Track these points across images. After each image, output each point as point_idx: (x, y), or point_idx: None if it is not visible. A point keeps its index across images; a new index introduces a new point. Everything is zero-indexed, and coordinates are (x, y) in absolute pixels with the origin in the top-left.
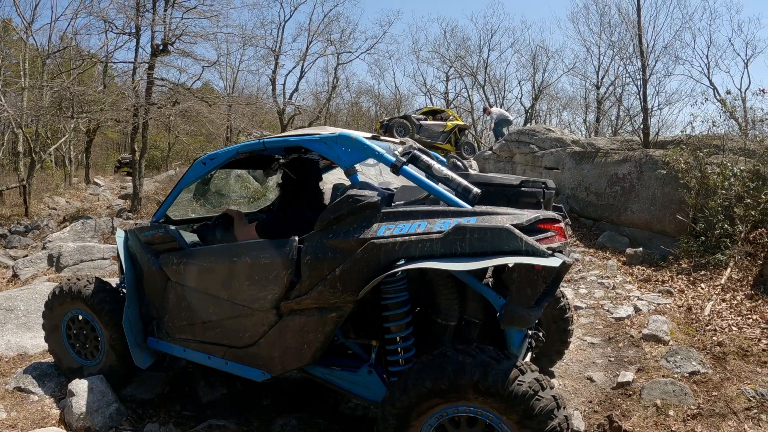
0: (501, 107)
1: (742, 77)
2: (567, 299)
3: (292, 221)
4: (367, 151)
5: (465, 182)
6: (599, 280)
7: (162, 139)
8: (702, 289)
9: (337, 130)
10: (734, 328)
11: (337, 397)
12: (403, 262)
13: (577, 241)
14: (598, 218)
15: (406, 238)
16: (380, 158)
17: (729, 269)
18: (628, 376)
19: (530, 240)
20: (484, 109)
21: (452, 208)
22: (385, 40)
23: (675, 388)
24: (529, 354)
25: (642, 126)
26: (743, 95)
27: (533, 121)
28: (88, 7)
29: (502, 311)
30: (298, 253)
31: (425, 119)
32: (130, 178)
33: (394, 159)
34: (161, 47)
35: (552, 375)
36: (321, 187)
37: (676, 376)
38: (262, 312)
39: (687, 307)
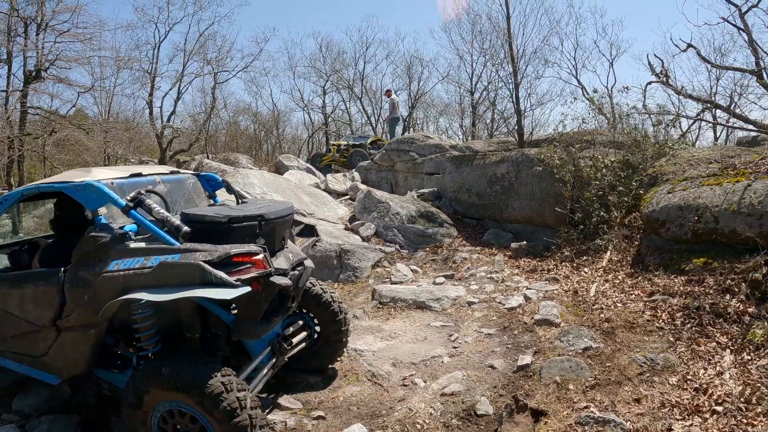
0: (389, 111)
1: (608, 76)
2: (338, 303)
3: (64, 252)
4: (105, 197)
5: (177, 222)
6: (488, 275)
7: (38, 172)
8: (585, 273)
9: (87, 178)
10: (619, 305)
11: None
12: (142, 292)
13: (464, 241)
14: (482, 217)
15: (129, 272)
16: (114, 203)
17: (609, 252)
18: (526, 359)
19: (219, 273)
20: (387, 92)
21: (164, 246)
22: (262, 57)
23: (571, 364)
24: (275, 359)
25: (516, 127)
26: (610, 93)
27: (411, 129)
28: None
29: (232, 326)
30: (62, 281)
31: (371, 148)
32: None
33: (124, 204)
34: (34, 73)
35: (335, 371)
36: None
37: (570, 353)
38: (46, 329)
39: (573, 291)
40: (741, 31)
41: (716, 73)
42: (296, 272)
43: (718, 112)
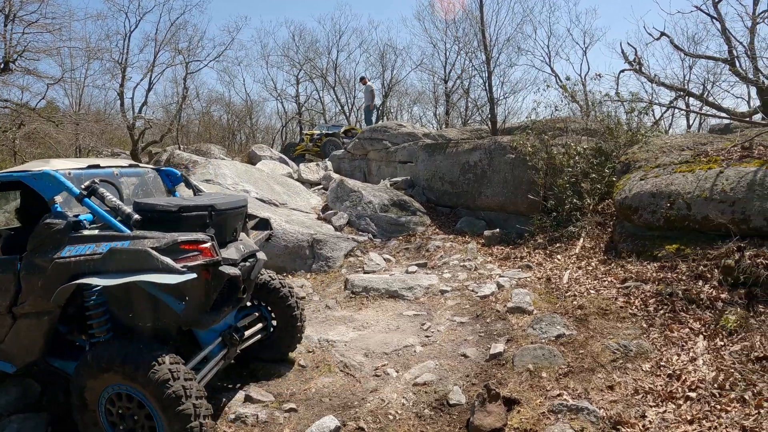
0: (368, 99)
1: (581, 64)
2: (295, 297)
3: (24, 240)
4: (61, 185)
5: (128, 211)
6: (461, 263)
7: (8, 166)
8: (559, 260)
9: (45, 167)
10: (592, 292)
11: None
12: (91, 277)
13: (437, 230)
14: (455, 205)
15: (80, 258)
16: (69, 191)
17: (582, 239)
18: (498, 347)
19: (165, 259)
20: (362, 79)
21: (115, 233)
22: (234, 46)
23: (544, 352)
24: (227, 350)
25: (489, 115)
26: (583, 80)
27: (385, 117)
28: None
29: (182, 315)
30: (18, 268)
31: (344, 137)
32: None
33: (78, 192)
34: (2, 65)
35: (292, 361)
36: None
37: (543, 341)
38: (2, 316)
39: (546, 278)
40: (714, 20)
41: (689, 62)
42: (247, 264)
43: (691, 101)
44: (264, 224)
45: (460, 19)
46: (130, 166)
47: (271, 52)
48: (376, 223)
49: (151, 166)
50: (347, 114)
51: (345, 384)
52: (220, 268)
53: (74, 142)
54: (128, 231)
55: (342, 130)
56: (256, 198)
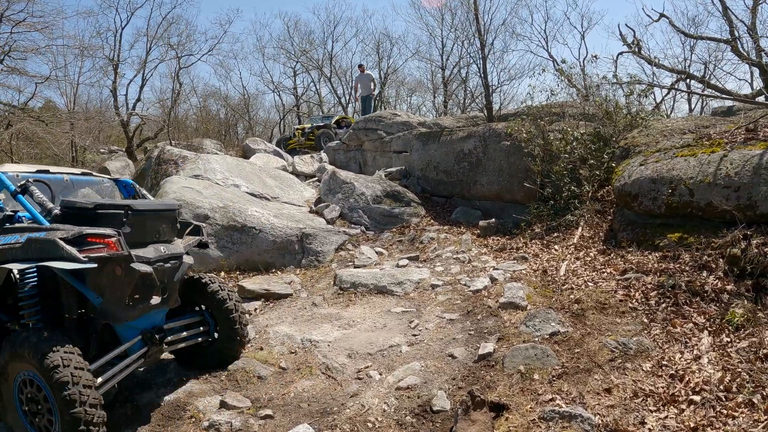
0: (361, 88)
1: (579, 48)
2: (234, 301)
3: None
4: (2, 184)
5: (50, 206)
6: (455, 256)
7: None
8: (556, 250)
9: None
10: (590, 284)
11: None
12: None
13: (432, 220)
14: (450, 195)
15: (5, 246)
16: (7, 189)
17: (580, 228)
18: (488, 347)
19: (69, 248)
20: (359, 66)
21: (36, 225)
22: (228, 39)
23: (537, 352)
24: (147, 348)
25: (485, 102)
26: (582, 65)
27: (383, 107)
28: None
29: (99, 308)
30: None
31: (336, 127)
32: None
33: (13, 189)
34: None
35: (274, 362)
36: None
37: (536, 339)
38: None
39: (542, 270)
40: (715, 0)
41: (690, 44)
42: (168, 265)
43: (693, 83)
44: (196, 231)
45: (455, 6)
46: (83, 174)
47: (266, 45)
48: (368, 215)
49: (108, 177)
50: (344, 105)
51: (326, 388)
52: (132, 264)
53: (69, 141)
54: (46, 224)
55: (334, 120)
56: (247, 192)
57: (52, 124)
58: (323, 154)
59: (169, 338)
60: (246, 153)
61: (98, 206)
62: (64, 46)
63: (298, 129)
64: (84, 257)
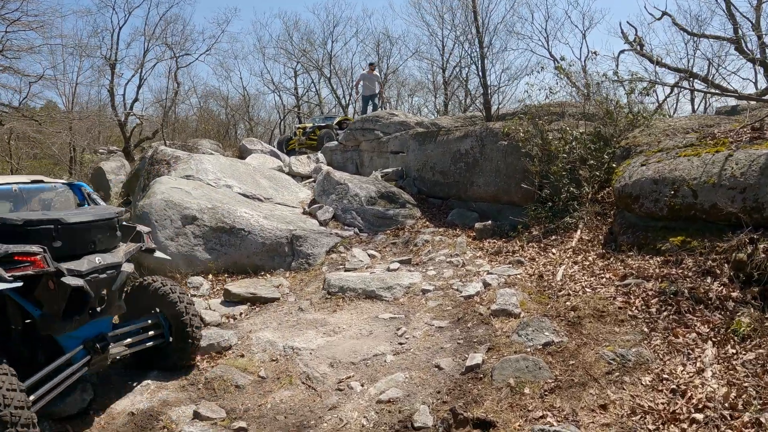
0: (359, 91)
1: (581, 48)
2: (185, 303)
3: None
4: None
5: None
6: (448, 259)
7: (4, 166)
8: (553, 254)
9: None
10: (588, 290)
11: None
12: None
13: (427, 222)
14: (447, 196)
15: None
16: None
17: (579, 231)
18: (477, 358)
19: None
20: (371, 65)
21: None
22: (227, 39)
23: (528, 364)
24: (90, 357)
25: (483, 101)
26: (583, 64)
27: (383, 107)
28: None
29: (39, 321)
30: None
31: (338, 128)
32: None
33: None
34: None
35: (253, 371)
36: None
37: (528, 350)
38: None
39: (538, 275)
40: None
41: (693, 43)
42: (103, 276)
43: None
44: (138, 237)
45: (456, 6)
46: (33, 182)
47: (267, 45)
48: (362, 217)
49: (61, 181)
50: (344, 105)
51: (304, 399)
52: (63, 279)
53: (67, 142)
54: None
55: (336, 121)
56: (239, 193)
57: (46, 124)
58: (320, 155)
59: (111, 346)
60: (242, 153)
61: (27, 222)
62: (61, 45)
63: (299, 128)
64: (9, 276)
